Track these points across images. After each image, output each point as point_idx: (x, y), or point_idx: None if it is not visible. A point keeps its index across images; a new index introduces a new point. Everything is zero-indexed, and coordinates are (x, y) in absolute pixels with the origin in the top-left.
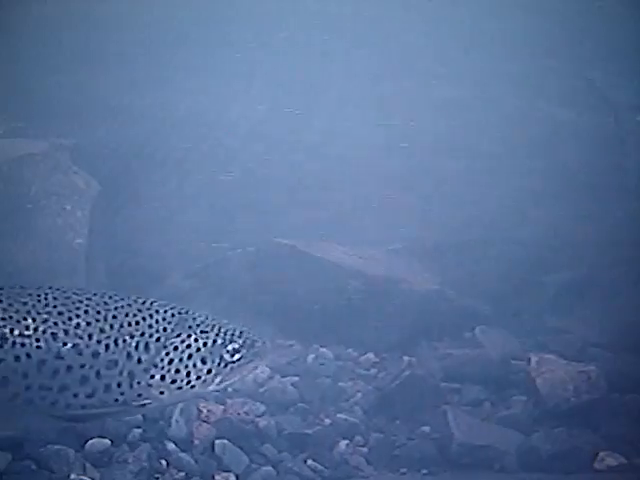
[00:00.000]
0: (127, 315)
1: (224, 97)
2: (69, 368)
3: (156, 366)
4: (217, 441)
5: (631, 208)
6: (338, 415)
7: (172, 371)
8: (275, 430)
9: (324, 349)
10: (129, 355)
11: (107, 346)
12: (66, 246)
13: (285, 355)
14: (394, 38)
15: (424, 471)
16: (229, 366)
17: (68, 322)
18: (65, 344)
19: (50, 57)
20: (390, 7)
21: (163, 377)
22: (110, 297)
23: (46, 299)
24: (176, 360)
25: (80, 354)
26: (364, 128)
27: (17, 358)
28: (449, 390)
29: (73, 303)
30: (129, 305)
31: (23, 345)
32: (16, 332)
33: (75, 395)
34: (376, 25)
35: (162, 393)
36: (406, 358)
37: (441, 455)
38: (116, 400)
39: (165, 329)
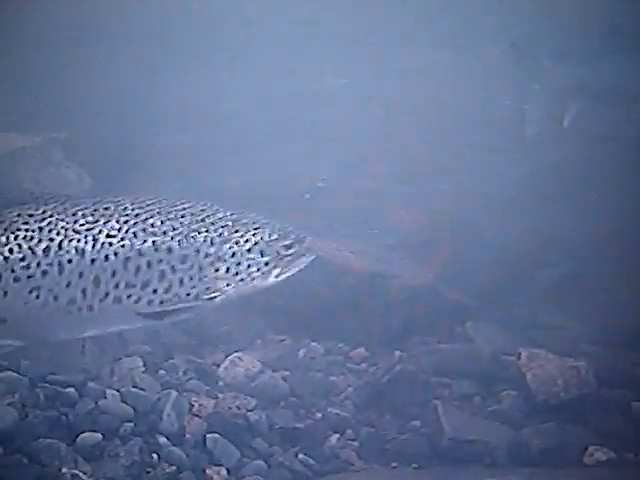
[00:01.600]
0: (192, 214)
1: (217, 91)
2: (149, 264)
3: (220, 259)
4: (208, 435)
5: (622, 204)
6: (329, 409)
7: (235, 264)
8: (266, 424)
9: (315, 343)
10: (197, 250)
11: (179, 242)
12: None
13: (276, 349)
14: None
15: (414, 465)
16: (285, 259)
17: (144, 222)
18: (145, 242)
19: (43, 52)
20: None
21: (228, 269)
22: (177, 200)
23: (124, 204)
24: (238, 254)
25: (157, 250)
26: (356, 121)
27: (106, 257)
28: (440, 385)
29: (147, 205)
30: (193, 206)
31: (111, 245)
32: (104, 233)
33: (155, 291)
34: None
35: (228, 285)
36: (397, 353)
37: (431, 449)
38: (188, 294)
39: (225, 226)
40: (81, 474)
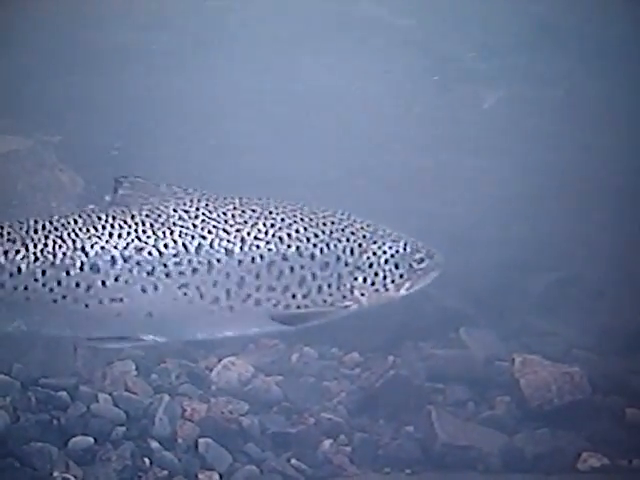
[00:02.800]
0: (333, 223)
1: (213, 95)
2: (292, 269)
3: (359, 269)
4: (201, 440)
5: (615, 209)
6: (322, 414)
7: (372, 274)
8: (259, 429)
9: (308, 348)
10: (338, 258)
11: (321, 249)
12: None
13: (269, 354)
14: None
15: (408, 471)
16: (417, 273)
17: (289, 227)
18: (289, 247)
19: (36, 55)
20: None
21: (365, 279)
22: (317, 208)
23: (269, 208)
24: (375, 264)
25: (300, 256)
26: (352, 123)
27: (253, 259)
28: (433, 390)
29: (291, 211)
30: (333, 215)
31: (258, 247)
32: (252, 235)
33: (293, 296)
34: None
35: (362, 295)
36: (390, 358)
37: (425, 455)
38: (324, 301)
39: (364, 236)
40: (72, 478)
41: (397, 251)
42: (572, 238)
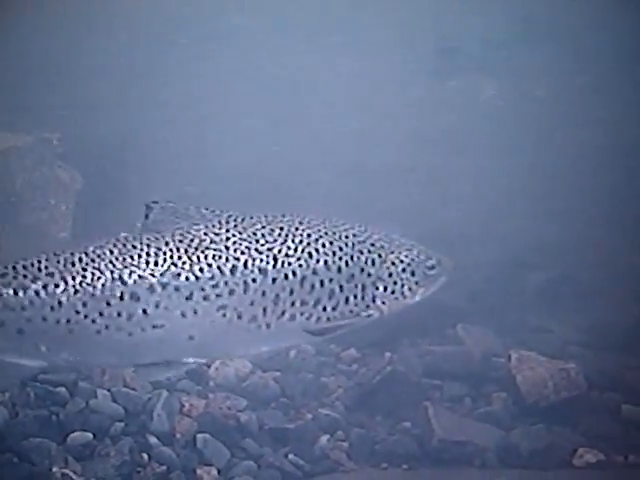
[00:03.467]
0: (354, 235)
1: (211, 92)
2: (322, 283)
3: (380, 279)
4: (199, 435)
5: (611, 208)
6: (319, 410)
7: (391, 283)
8: (256, 425)
9: (305, 344)
10: (362, 270)
11: (346, 262)
12: (50, 239)
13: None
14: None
15: (405, 466)
16: (429, 279)
17: (316, 242)
18: (318, 261)
19: (37, 52)
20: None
21: (385, 288)
22: (337, 222)
23: (294, 224)
24: (394, 274)
25: (329, 270)
26: (351, 123)
27: (286, 276)
28: (430, 386)
29: (315, 226)
30: (352, 227)
31: (290, 264)
32: (283, 253)
33: (324, 308)
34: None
35: (384, 303)
36: (387, 354)
37: (422, 451)
38: (351, 311)
39: (383, 247)
40: (71, 473)
41: (413, 259)
42: (568, 236)
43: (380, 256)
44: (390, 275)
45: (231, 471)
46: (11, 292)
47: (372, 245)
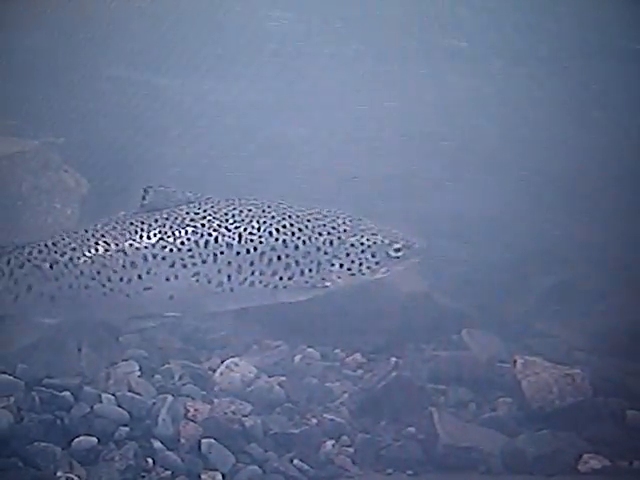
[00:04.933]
0: (317, 219)
1: (217, 96)
2: (279, 257)
3: (336, 257)
4: (203, 440)
5: (616, 212)
6: (324, 415)
7: (349, 261)
8: (261, 430)
9: (311, 349)
10: (318, 249)
11: (304, 241)
12: None
13: (272, 355)
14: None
15: (409, 472)
16: (393, 260)
17: (278, 223)
18: (277, 240)
19: (43, 56)
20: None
21: (341, 265)
22: (305, 207)
23: (263, 207)
24: (352, 254)
25: (286, 247)
26: (353, 128)
27: (248, 251)
28: (435, 391)
29: (281, 210)
30: (318, 212)
31: (252, 241)
32: (247, 231)
33: (280, 278)
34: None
35: (339, 278)
36: (393, 359)
37: (426, 456)
38: (306, 282)
39: (345, 230)
40: (76, 478)
41: (375, 242)
42: (573, 241)
43: (339, 238)
44: (347, 255)
45: (236, 476)
46: (47, 266)
47: (333, 228)
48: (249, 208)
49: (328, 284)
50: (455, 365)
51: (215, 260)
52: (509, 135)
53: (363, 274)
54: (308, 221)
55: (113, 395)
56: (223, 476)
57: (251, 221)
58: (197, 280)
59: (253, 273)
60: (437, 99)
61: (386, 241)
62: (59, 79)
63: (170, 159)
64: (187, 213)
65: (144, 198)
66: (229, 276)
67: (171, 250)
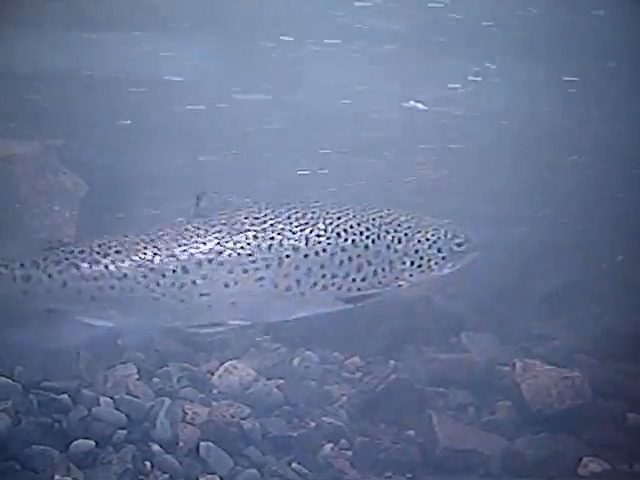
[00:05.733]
0: (381, 217)
1: (216, 99)
2: (350, 258)
3: (406, 254)
4: (202, 443)
5: (618, 216)
6: (323, 418)
7: (418, 258)
8: (260, 433)
9: (310, 352)
10: (388, 247)
11: (373, 240)
12: None
13: (271, 358)
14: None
15: (408, 475)
16: (457, 255)
17: (345, 224)
18: (346, 240)
19: (42, 58)
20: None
21: (412, 262)
22: (367, 206)
23: (326, 209)
24: (420, 250)
25: (356, 247)
26: (356, 124)
27: (317, 253)
28: (434, 394)
29: (345, 210)
30: (380, 210)
31: (320, 243)
32: (314, 233)
33: (353, 280)
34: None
35: (411, 275)
36: (392, 362)
37: (425, 459)
38: (379, 282)
39: (409, 227)
40: None
41: (439, 237)
42: (573, 244)
43: (406, 235)
44: (416, 251)
45: (234, 479)
46: (86, 265)
47: (398, 225)
48: (312, 210)
49: (402, 283)
50: (454, 368)
51: (280, 264)
52: (511, 134)
53: (432, 270)
54: (373, 219)
55: (111, 398)
56: (221, 479)
57: (317, 223)
58: (261, 285)
59: (324, 276)
60: (433, 96)
61: (449, 235)
62: (58, 81)
63: (171, 160)
64: (246, 218)
65: (197, 205)
66: (298, 280)
67: (229, 255)
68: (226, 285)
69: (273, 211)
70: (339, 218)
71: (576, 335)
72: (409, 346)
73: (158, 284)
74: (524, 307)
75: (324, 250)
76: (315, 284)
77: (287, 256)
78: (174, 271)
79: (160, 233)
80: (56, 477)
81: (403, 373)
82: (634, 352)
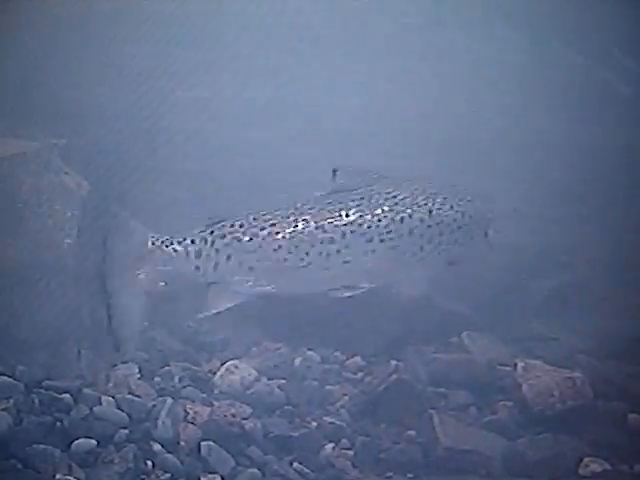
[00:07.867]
0: (469, 200)
1: (216, 100)
2: (459, 227)
3: (479, 224)
4: (203, 443)
5: (620, 215)
6: (324, 418)
7: (492, 229)
8: (261, 432)
9: (311, 352)
10: (471, 217)
11: (470, 215)
12: (55, 246)
13: (272, 357)
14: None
15: (410, 475)
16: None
17: (452, 200)
18: (457, 212)
19: (44, 57)
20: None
21: (486, 233)
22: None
23: (436, 187)
24: (481, 219)
25: (463, 218)
26: (353, 123)
27: (437, 224)
28: (435, 395)
29: (448, 187)
30: (454, 188)
31: (439, 215)
32: (436, 207)
33: (462, 245)
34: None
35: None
36: (393, 362)
37: (426, 459)
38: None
39: (471, 200)
40: None
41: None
42: (575, 244)
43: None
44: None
45: (235, 479)
46: (247, 238)
47: (469, 201)
48: (430, 187)
49: (487, 247)
50: (455, 368)
51: (411, 234)
52: (509, 132)
53: (506, 236)
54: (468, 199)
55: (113, 397)
56: (222, 479)
57: (436, 197)
58: (394, 253)
59: (440, 244)
60: (433, 96)
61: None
62: (60, 80)
63: (171, 160)
64: (379, 193)
65: (334, 180)
66: (421, 247)
67: (369, 227)
68: (364, 253)
69: (398, 187)
70: (446, 198)
71: (578, 335)
72: (410, 346)
73: (307, 253)
74: (526, 307)
75: (442, 221)
76: (433, 249)
77: (415, 227)
78: (321, 242)
79: (306, 207)
80: (57, 476)
81: (404, 373)
82: (636, 353)
